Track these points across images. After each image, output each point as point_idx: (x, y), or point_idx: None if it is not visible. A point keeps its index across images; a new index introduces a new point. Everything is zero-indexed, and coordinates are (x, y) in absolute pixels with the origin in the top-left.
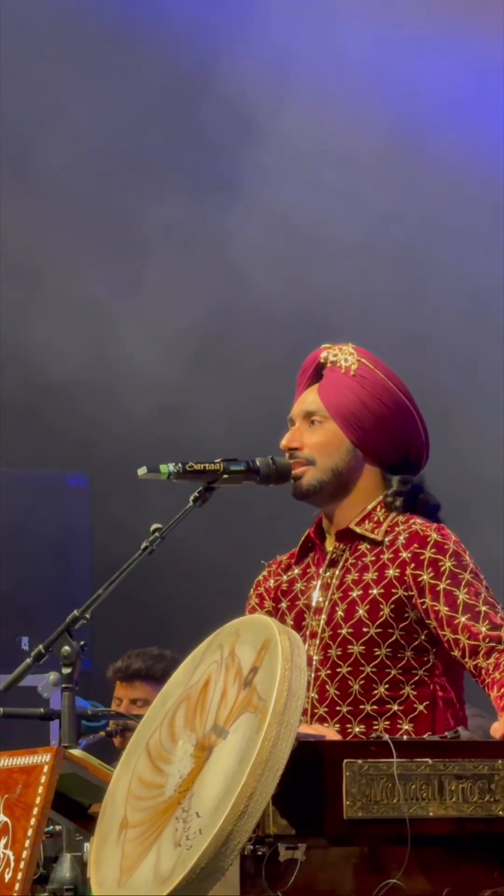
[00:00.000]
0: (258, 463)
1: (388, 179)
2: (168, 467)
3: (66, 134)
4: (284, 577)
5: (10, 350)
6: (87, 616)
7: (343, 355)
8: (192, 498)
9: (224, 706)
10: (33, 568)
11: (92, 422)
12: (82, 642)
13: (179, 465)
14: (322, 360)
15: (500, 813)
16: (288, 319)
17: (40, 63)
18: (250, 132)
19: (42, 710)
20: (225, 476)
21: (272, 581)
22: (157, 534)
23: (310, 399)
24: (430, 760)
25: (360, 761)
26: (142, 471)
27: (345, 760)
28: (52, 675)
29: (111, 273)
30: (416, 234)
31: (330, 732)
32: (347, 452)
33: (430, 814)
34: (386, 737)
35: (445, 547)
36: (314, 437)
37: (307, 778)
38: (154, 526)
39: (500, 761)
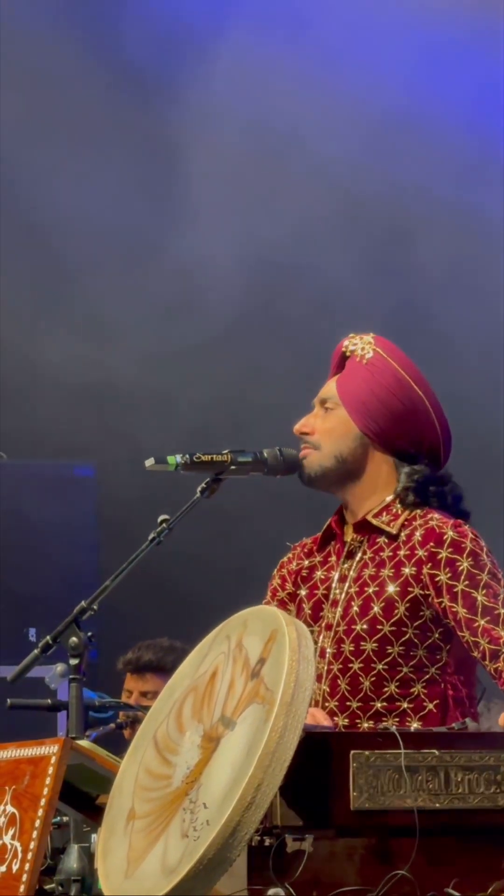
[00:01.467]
0: (266, 454)
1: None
2: (175, 458)
3: None
4: (306, 563)
5: (15, 338)
6: (95, 607)
7: (361, 344)
8: (199, 489)
9: (231, 697)
10: (40, 559)
11: (99, 412)
12: (90, 633)
13: (187, 455)
14: (344, 350)
15: None
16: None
17: None
18: None
19: (49, 700)
20: (232, 467)
21: (294, 564)
22: (164, 525)
23: (329, 387)
24: (436, 752)
25: (366, 752)
26: (149, 462)
27: (352, 752)
28: (60, 667)
29: (113, 269)
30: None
31: (322, 716)
32: (354, 440)
33: (437, 805)
34: (393, 728)
35: (462, 546)
36: (324, 424)
37: (314, 769)
38: (162, 517)
39: None
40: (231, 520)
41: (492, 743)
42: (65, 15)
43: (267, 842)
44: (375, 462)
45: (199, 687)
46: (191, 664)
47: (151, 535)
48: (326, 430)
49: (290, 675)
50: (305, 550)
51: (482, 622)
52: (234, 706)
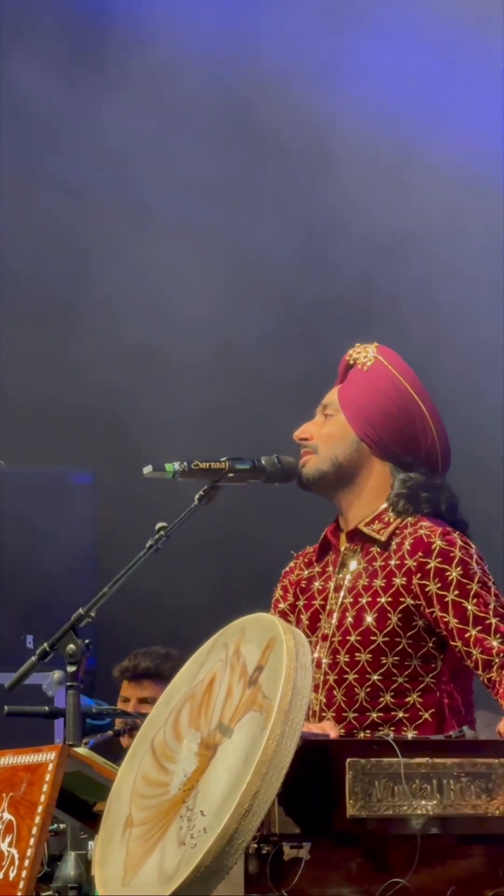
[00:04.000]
0: (263, 462)
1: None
2: (173, 466)
3: None
4: (305, 573)
5: (16, 349)
6: (93, 614)
7: (363, 353)
8: (197, 496)
9: (229, 705)
10: (38, 566)
11: (98, 419)
12: (87, 640)
13: (185, 463)
14: (349, 360)
15: (497, 812)
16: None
17: None
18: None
19: (47, 708)
20: (230, 475)
21: (295, 574)
22: (162, 532)
23: (330, 394)
24: (430, 759)
25: (362, 760)
26: (147, 469)
27: (348, 759)
28: (57, 674)
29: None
30: None
31: (330, 727)
32: (350, 445)
33: (430, 812)
34: (389, 736)
35: (451, 555)
36: (323, 429)
37: (311, 777)
38: (159, 524)
39: (497, 760)
40: (228, 527)
41: (484, 751)
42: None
43: (264, 849)
44: (372, 468)
45: (197, 694)
46: (188, 672)
47: (149, 543)
48: (325, 435)
49: (287, 683)
50: (306, 560)
51: (474, 632)
52: (232, 714)
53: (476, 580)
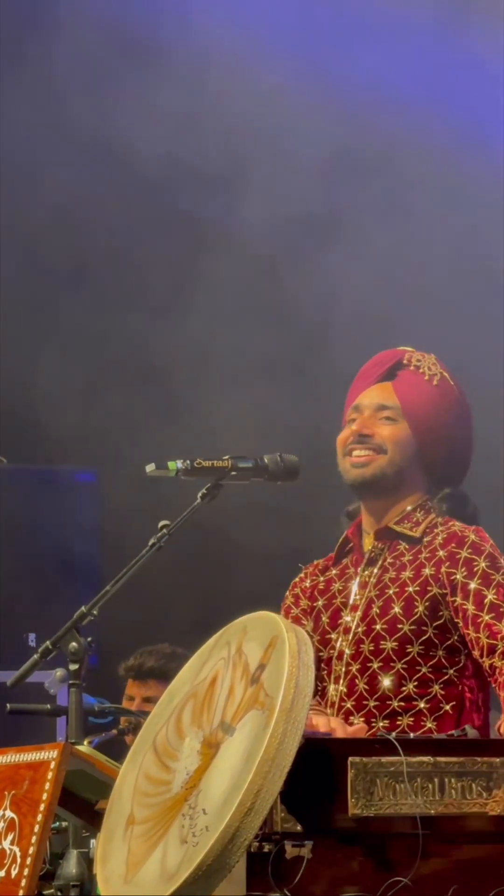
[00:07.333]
0: (266, 460)
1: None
2: (176, 464)
3: None
4: (322, 578)
5: (17, 342)
6: (95, 613)
7: (426, 363)
8: (200, 495)
9: (231, 703)
10: (41, 564)
11: (100, 417)
12: (89, 639)
13: (188, 461)
14: (405, 361)
15: (498, 811)
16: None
17: None
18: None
19: (49, 706)
20: (233, 473)
21: (308, 582)
22: (164, 530)
23: (385, 394)
24: (431, 758)
25: (364, 759)
26: (150, 467)
27: (350, 758)
28: (60, 672)
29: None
30: None
31: (337, 723)
32: (411, 453)
33: (432, 811)
34: (392, 735)
35: (482, 549)
36: (388, 431)
37: (313, 775)
38: (162, 523)
39: (498, 759)
40: (232, 526)
41: (485, 750)
42: None
43: (266, 848)
44: (413, 476)
45: (199, 693)
46: (190, 670)
47: (152, 541)
48: (393, 439)
49: (290, 682)
50: (320, 568)
51: (486, 618)
52: (234, 712)
53: (501, 573)
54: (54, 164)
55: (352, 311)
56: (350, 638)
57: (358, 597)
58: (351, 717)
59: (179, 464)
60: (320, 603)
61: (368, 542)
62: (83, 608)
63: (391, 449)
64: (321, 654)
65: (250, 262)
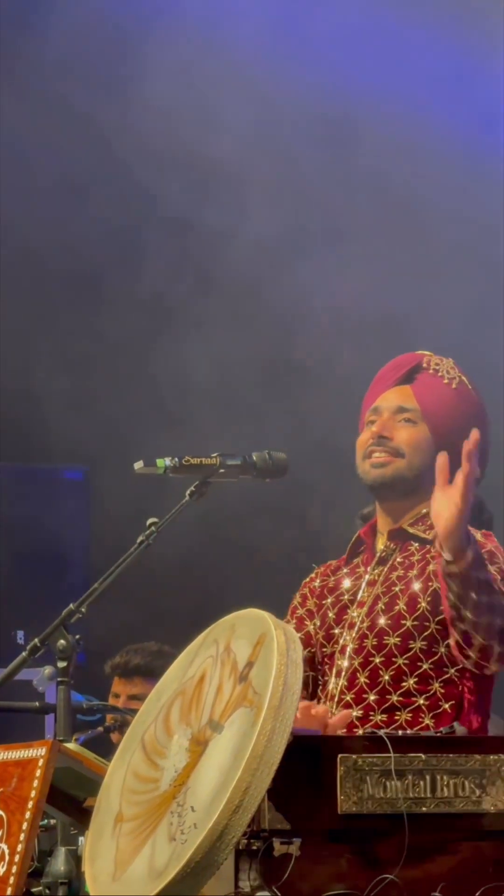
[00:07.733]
0: (254, 457)
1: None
2: (164, 461)
3: None
4: (332, 577)
5: (9, 343)
6: (83, 610)
7: (445, 366)
8: (188, 492)
9: (219, 701)
10: (29, 561)
11: (89, 415)
12: (78, 636)
13: (176, 459)
14: (423, 365)
15: (491, 808)
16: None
17: None
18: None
19: (37, 703)
20: (221, 470)
21: (318, 582)
22: (153, 528)
23: (404, 397)
24: (423, 756)
25: (353, 756)
26: (138, 465)
27: (339, 755)
28: (48, 669)
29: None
30: None
31: (340, 719)
32: (430, 458)
33: (423, 809)
34: (381, 731)
35: (483, 545)
36: (408, 434)
37: (302, 772)
38: (150, 520)
39: (491, 756)
40: (220, 523)
41: (477, 747)
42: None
43: (254, 845)
44: (430, 480)
45: (187, 691)
46: (179, 668)
47: (140, 539)
48: (412, 442)
49: (278, 679)
50: (332, 568)
51: None
52: (222, 710)
53: (497, 566)
54: (53, 165)
55: (350, 314)
56: (354, 633)
57: (365, 594)
58: (350, 711)
59: (167, 461)
60: (328, 601)
61: (381, 543)
62: (71, 606)
63: (409, 453)
64: (325, 649)
65: (246, 264)
